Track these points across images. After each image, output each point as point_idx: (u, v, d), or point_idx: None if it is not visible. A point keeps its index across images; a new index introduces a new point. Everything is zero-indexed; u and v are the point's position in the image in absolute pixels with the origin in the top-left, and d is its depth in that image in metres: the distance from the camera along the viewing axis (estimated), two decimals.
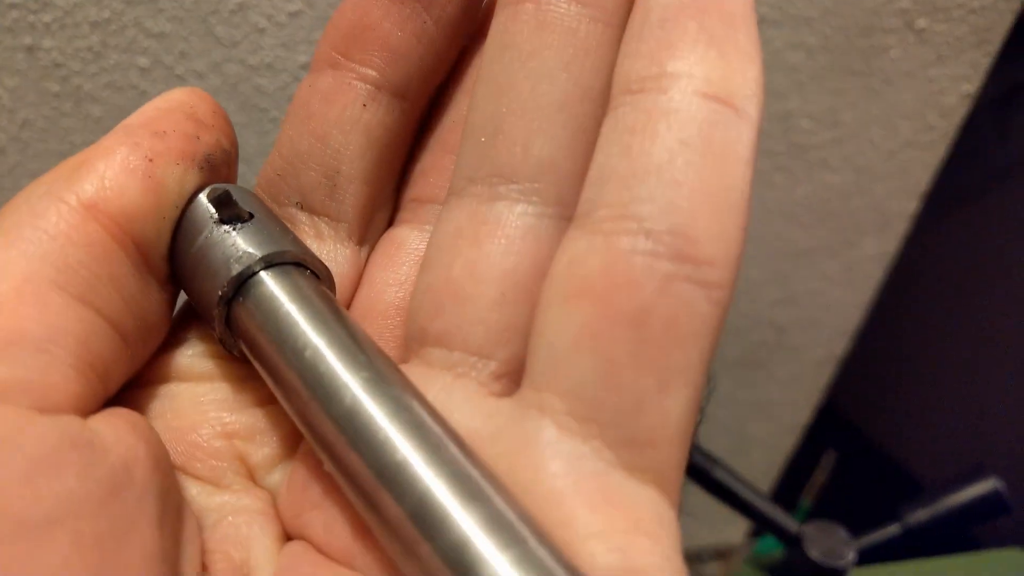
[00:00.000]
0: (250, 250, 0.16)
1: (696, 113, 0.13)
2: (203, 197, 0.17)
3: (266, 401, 0.17)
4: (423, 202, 0.19)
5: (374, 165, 0.18)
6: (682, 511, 0.15)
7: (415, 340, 0.16)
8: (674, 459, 0.13)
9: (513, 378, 0.16)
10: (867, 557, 0.51)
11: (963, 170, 0.87)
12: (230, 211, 0.16)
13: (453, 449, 0.13)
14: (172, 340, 0.18)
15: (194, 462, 0.16)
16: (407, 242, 0.18)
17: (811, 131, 0.55)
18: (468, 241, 0.16)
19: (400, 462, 0.13)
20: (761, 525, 0.45)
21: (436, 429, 0.14)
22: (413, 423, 0.13)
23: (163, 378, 0.17)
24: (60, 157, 0.46)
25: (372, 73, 0.17)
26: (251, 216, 0.17)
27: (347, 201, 0.18)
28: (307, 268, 0.17)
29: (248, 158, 0.48)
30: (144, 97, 0.44)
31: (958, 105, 0.57)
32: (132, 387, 0.17)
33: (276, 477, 0.17)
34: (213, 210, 0.16)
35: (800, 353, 0.71)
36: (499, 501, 0.12)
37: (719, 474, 0.47)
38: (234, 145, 0.18)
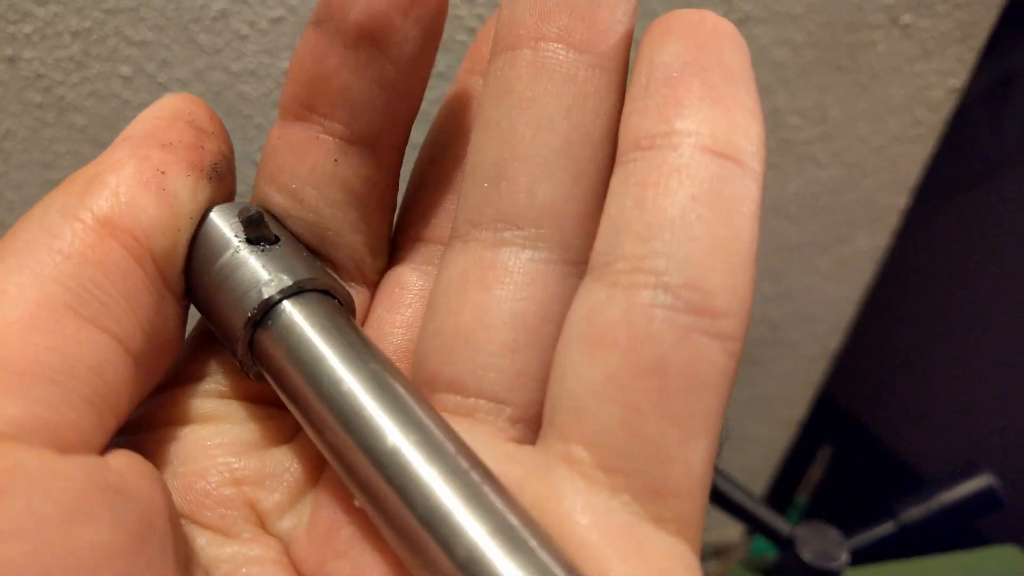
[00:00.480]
0: (281, 275, 0.16)
1: (705, 169, 0.14)
2: (218, 213, 0.16)
3: (273, 443, 0.17)
4: (426, 242, 0.19)
5: (359, 214, 0.18)
6: None
7: (426, 385, 0.16)
8: (696, 508, 0.14)
9: (529, 424, 0.16)
10: (862, 555, 0.51)
11: (955, 163, 0.87)
12: (259, 232, 0.16)
13: (494, 497, 0.13)
14: (174, 380, 0.17)
15: (203, 511, 0.16)
16: (410, 283, 0.18)
17: (799, 127, 0.55)
18: (476, 286, 0.16)
19: (447, 511, 0.13)
20: (754, 528, 0.45)
21: (478, 475, 0.13)
22: (456, 469, 0.13)
23: (167, 421, 0.17)
24: (43, 167, 0.46)
25: (339, 127, 0.17)
26: (277, 239, 0.17)
27: (339, 250, 0.18)
28: (335, 296, 0.17)
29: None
30: (127, 106, 0.44)
31: (945, 99, 0.57)
32: (138, 430, 0.16)
33: (287, 524, 0.16)
34: (240, 229, 0.16)
35: (794, 349, 0.71)
36: (544, 555, 0.13)
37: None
38: (232, 151, 0.18)
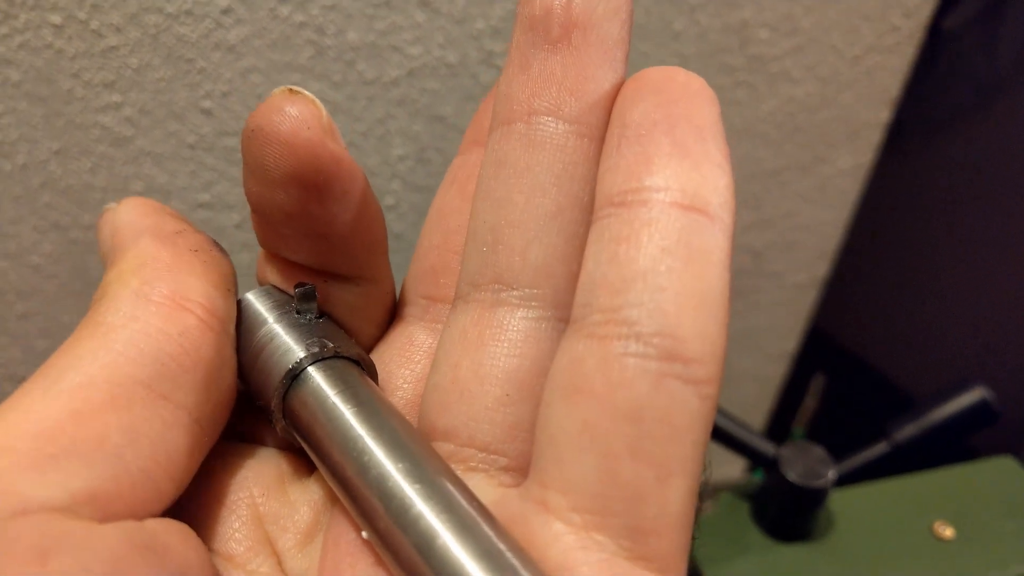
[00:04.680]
0: (308, 345, 0.18)
1: (675, 223, 0.14)
2: (252, 298, 0.19)
3: (289, 486, 0.19)
4: (433, 300, 0.20)
5: (359, 306, 0.20)
6: None
7: (425, 435, 0.18)
8: (676, 546, 0.14)
9: (523, 473, 0.17)
10: (856, 477, 0.50)
11: (949, 88, 0.85)
12: (309, 305, 0.19)
13: (487, 530, 0.15)
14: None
15: (229, 543, 0.18)
16: (419, 340, 0.20)
17: (769, 41, 0.53)
18: (473, 344, 0.17)
19: (442, 543, 0.14)
20: (737, 451, 0.44)
21: (472, 510, 0.15)
22: (450, 507, 0.15)
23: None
24: None
25: (314, 265, 0.19)
26: (321, 315, 0.19)
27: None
28: (358, 363, 0.18)
29: (179, 113, 0.46)
30: (62, 56, 0.42)
31: (922, 4, 0.54)
32: None
33: (299, 565, 0.18)
34: (273, 304, 0.19)
35: (780, 278, 0.70)
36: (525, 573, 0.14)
37: None
38: None
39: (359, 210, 0.18)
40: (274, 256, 0.19)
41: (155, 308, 0.16)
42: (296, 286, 0.19)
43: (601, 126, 0.17)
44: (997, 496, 0.46)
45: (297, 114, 0.16)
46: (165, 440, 0.16)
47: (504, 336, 0.17)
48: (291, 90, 0.16)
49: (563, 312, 0.17)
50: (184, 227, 0.18)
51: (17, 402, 0.15)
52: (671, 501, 0.14)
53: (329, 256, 0.19)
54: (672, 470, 0.14)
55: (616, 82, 0.17)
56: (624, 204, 0.15)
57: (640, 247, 0.14)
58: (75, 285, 0.52)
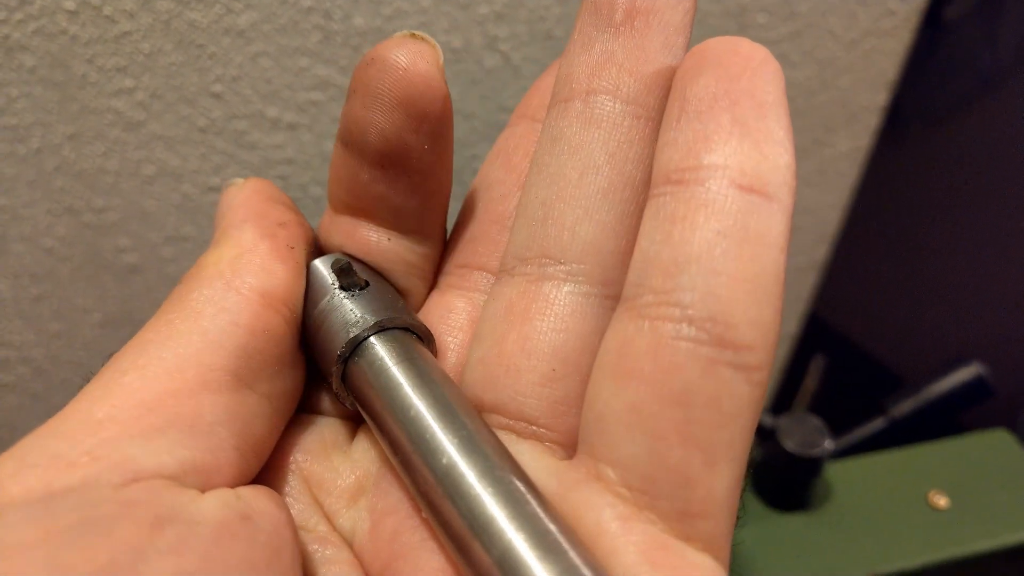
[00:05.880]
0: (366, 316, 0.18)
1: (732, 204, 0.14)
2: (319, 265, 0.20)
3: (333, 451, 0.19)
4: (472, 268, 0.20)
5: (414, 272, 0.21)
6: None
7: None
8: (722, 529, 0.15)
9: (570, 447, 0.17)
10: (854, 453, 0.51)
11: (952, 78, 0.86)
12: (350, 279, 0.19)
13: (535, 506, 0.15)
14: None
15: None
16: (458, 308, 0.20)
17: (767, 25, 0.54)
18: (520, 318, 0.18)
19: (489, 517, 0.15)
20: None
21: (522, 487, 0.15)
22: (501, 481, 0.15)
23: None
24: None
25: (383, 222, 0.20)
26: (367, 284, 0.19)
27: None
28: (414, 332, 0.19)
29: (191, 97, 0.47)
30: (76, 42, 0.43)
31: None
32: None
33: (347, 524, 0.18)
34: (334, 278, 0.19)
35: None
36: (574, 555, 0.14)
37: None
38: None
39: (446, 152, 0.19)
40: (344, 208, 0.20)
41: (245, 303, 0.17)
42: (332, 264, 0.19)
43: (658, 108, 0.17)
44: (991, 467, 0.47)
45: (418, 49, 0.17)
46: (250, 423, 0.17)
47: (551, 310, 0.17)
48: (413, 33, 0.17)
49: (609, 289, 0.17)
50: (289, 218, 0.19)
51: (116, 377, 0.16)
52: (718, 486, 0.14)
53: (403, 203, 0.19)
54: (720, 456, 0.14)
55: (674, 67, 0.17)
56: (681, 182, 0.15)
57: (696, 229, 0.14)
58: (88, 268, 0.53)
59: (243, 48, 0.46)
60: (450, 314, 0.20)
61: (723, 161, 0.15)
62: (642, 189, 0.17)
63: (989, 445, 0.50)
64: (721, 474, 0.14)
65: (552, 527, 0.14)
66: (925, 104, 0.89)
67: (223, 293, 0.17)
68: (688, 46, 0.18)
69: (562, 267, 0.17)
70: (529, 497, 0.15)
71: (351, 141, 0.18)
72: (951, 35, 0.86)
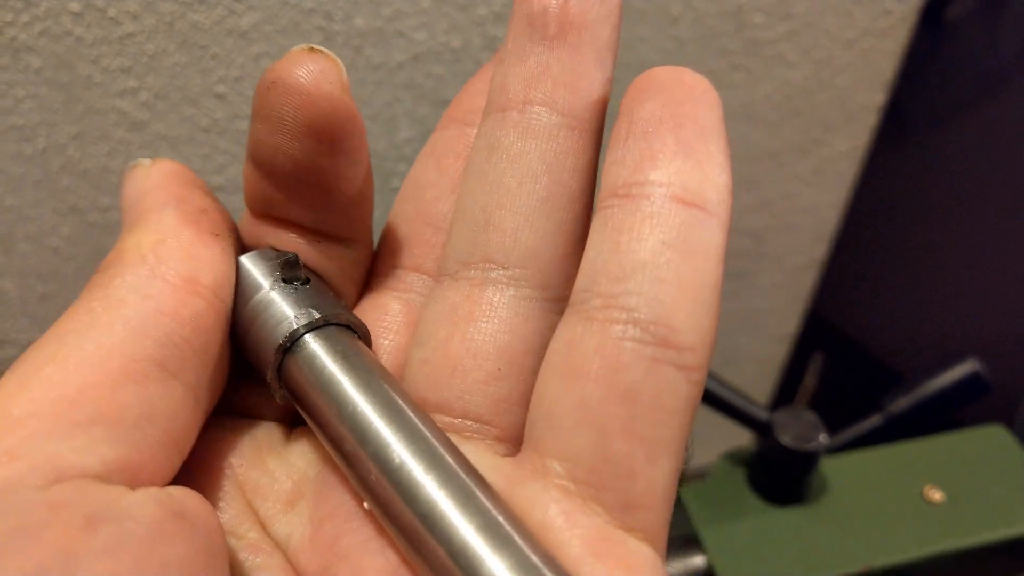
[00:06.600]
0: (309, 310, 0.18)
1: (675, 217, 0.15)
2: (251, 259, 0.19)
3: (267, 454, 0.19)
4: (407, 270, 0.20)
5: (342, 273, 0.20)
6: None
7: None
8: (661, 520, 0.15)
9: (512, 444, 0.18)
10: (851, 448, 0.51)
11: (950, 77, 0.86)
12: (294, 272, 0.19)
13: (485, 500, 0.15)
14: None
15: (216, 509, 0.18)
16: (392, 309, 0.20)
17: (764, 25, 0.54)
18: (464, 320, 0.18)
19: (442, 511, 0.15)
20: (732, 417, 0.46)
21: (471, 481, 0.15)
22: (452, 474, 0.15)
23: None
24: (3, 113, 0.46)
25: (299, 232, 0.20)
26: (307, 281, 0.19)
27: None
28: (353, 329, 0.19)
29: (194, 97, 0.48)
30: (81, 43, 0.44)
31: None
32: None
33: (282, 531, 0.18)
34: (270, 271, 0.19)
35: (779, 260, 0.71)
36: (526, 547, 0.14)
37: None
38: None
39: (362, 165, 0.19)
40: (263, 216, 0.19)
41: (170, 290, 0.16)
42: (278, 256, 0.19)
43: (591, 121, 0.18)
44: (987, 462, 0.48)
45: (319, 68, 0.17)
46: (175, 416, 0.16)
47: (495, 313, 0.18)
48: (311, 48, 0.17)
49: (549, 292, 0.18)
50: (210, 205, 0.19)
51: (34, 371, 0.15)
52: (659, 478, 0.15)
53: (325, 214, 0.19)
54: (661, 450, 0.15)
55: (605, 82, 0.18)
56: (628, 196, 0.16)
57: (641, 239, 0.15)
58: (93, 267, 0.53)
59: (245, 49, 0.47)
60: (385, 316, 0.20)
61: (667, 178, 0.15)
62: (578, 198, 0.18)
63: (985, 440, 0.50)
64: (662, 467, 0.15)
65: (503, 520, 0.15)
66: (926, 104, 0.89)
67: (147, 280, 0.16)
68: (615, 62, 0.19)
69: (504, 272, 0.18)
70: (479, 491, 0.15)
71: (261, 164, 0.18)
72: (952, 35, 0.86)
